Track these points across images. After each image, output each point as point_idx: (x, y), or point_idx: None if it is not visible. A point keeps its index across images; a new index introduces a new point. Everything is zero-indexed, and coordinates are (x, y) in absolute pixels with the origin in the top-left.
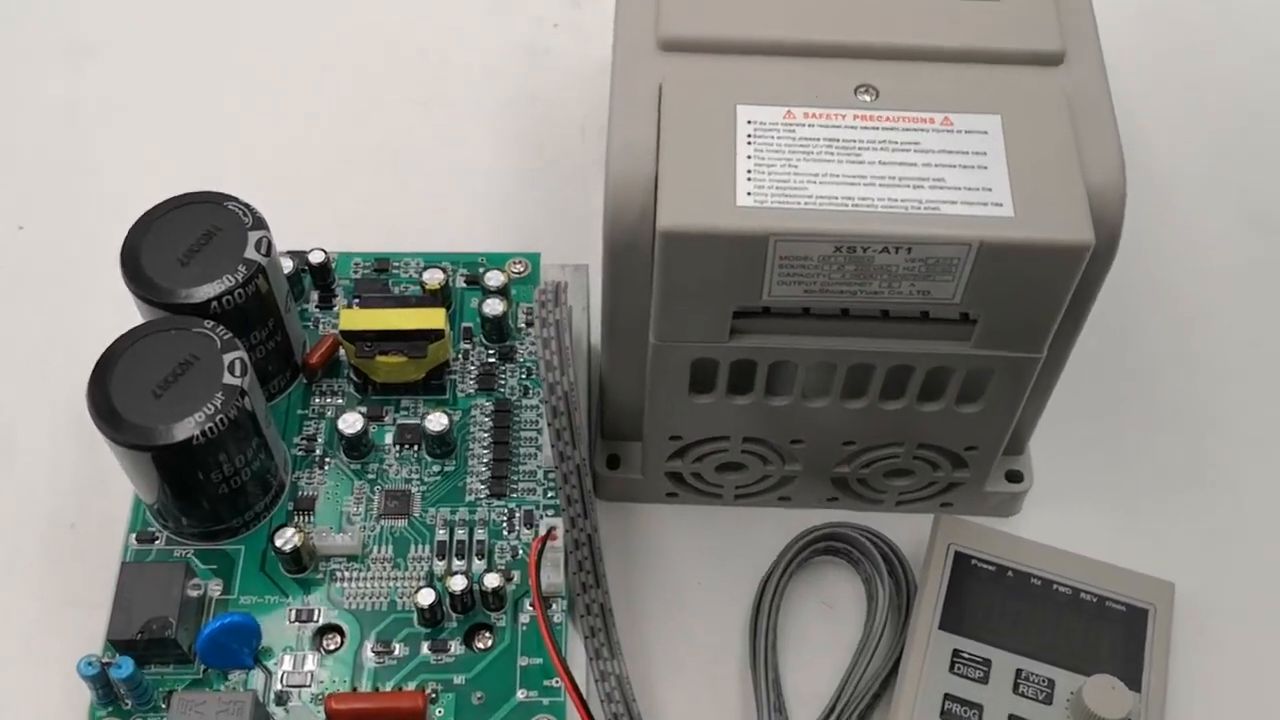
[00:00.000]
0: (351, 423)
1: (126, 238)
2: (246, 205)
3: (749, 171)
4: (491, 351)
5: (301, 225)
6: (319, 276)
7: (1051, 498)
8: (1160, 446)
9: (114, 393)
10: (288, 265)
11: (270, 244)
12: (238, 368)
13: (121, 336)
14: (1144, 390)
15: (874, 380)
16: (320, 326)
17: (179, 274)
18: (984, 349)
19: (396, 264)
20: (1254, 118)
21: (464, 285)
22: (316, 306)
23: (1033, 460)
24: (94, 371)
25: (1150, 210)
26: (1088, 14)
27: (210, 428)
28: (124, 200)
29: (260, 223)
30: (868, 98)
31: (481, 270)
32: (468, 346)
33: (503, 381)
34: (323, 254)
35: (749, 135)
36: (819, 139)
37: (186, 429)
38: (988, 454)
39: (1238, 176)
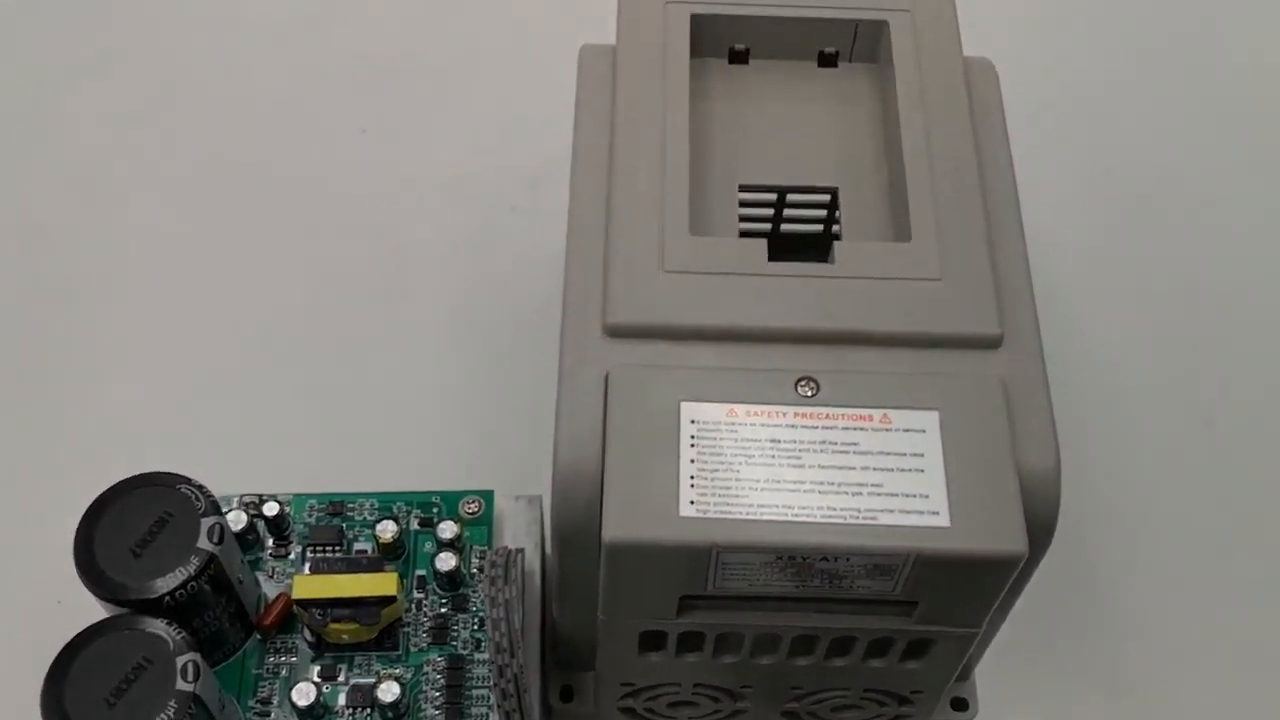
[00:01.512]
0: (305, 693)
1: (79, 528)
2: (199, 489)
3: (692, 478)
4: (445, 601)
5: (250, 450)
6: (274, 526)
7: (998, 717)
8: (1108, 664)
9: (68, 702)
10: (241, 520)
11: (223, 530)
12: (190, 671)
13: (74, 639)
14: (1092, 606)
15: (819, 646)
16: (276, 575)
17: (132, 567)
18: (924, 625)
19: (351, 506)
20: (1202, 310)
21: (418, 528)
22: (272, 555)
23: (978, 685)
24: (48, 678)
25: (1093, 410)
26: (1027, 294)
27: None
28: (67, 413)
29: (213, 507)
30: (809, 392)
31: (435, 511)
32: (420, 596)
33: (455, 634)
34: (276, 506)
35: (692, 437)
36: (761, 440)
37: None
38: (932, 695)
39: (1184, 376)
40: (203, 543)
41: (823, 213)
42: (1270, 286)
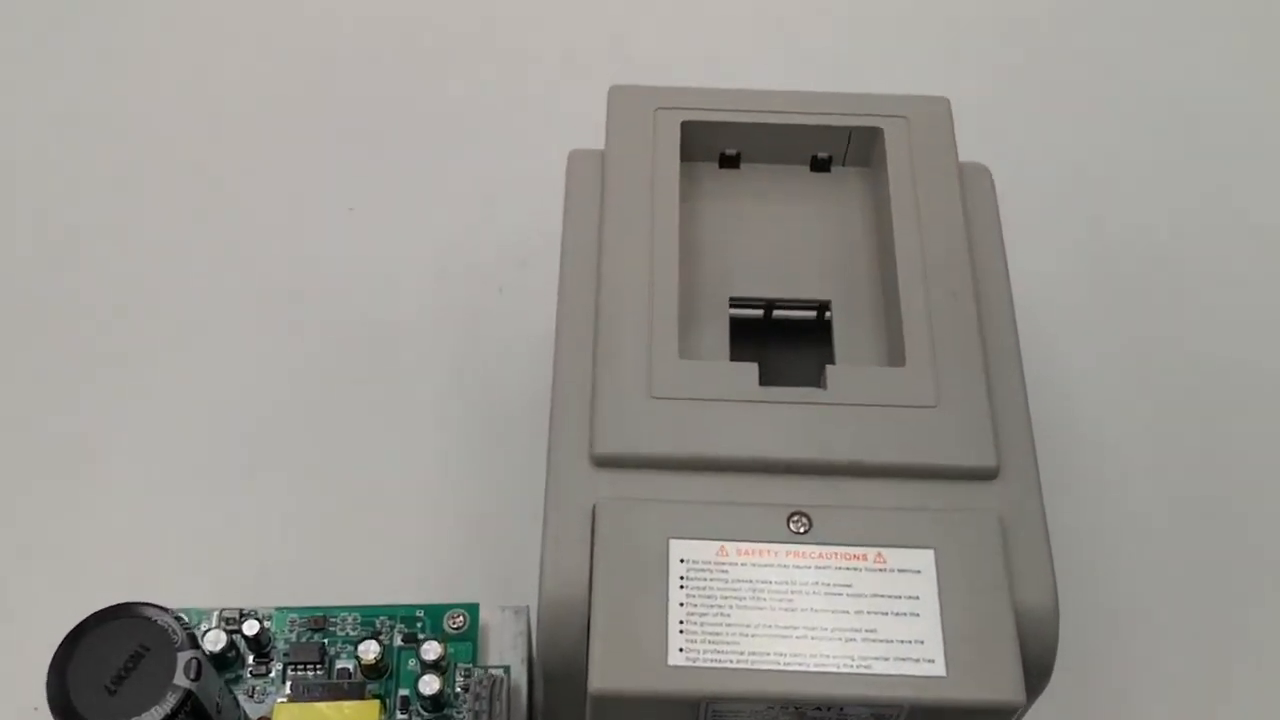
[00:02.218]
0: None
1: (53, 665)
2: (176, 621)
3: (681, 622)
4: None
5: (229, 559)
6: (254, 643)
7: None
8: None
9: None
10: (221, 640)
11: (200, 665)
12: None
13: None
14: (1080, 690)
15: None
16: (256, 694)
17: (107, 705)
18: None
19: (333, 620)
20: (1198, 385)
21: (401, 644)
22: (252, 674)
23: None
24: None
25: (1085, 489)
26: (1024, 422)
27: None
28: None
29: (190, 640)
30: (801, 528)
31: (419, 625)
32: (404, 718)
33: None
34: (257, 624)
35: (681, 577)
36: (752, 581)
37: None
38: None
39: (1179, 454)
40: (179, 679)
41: (814, 326)
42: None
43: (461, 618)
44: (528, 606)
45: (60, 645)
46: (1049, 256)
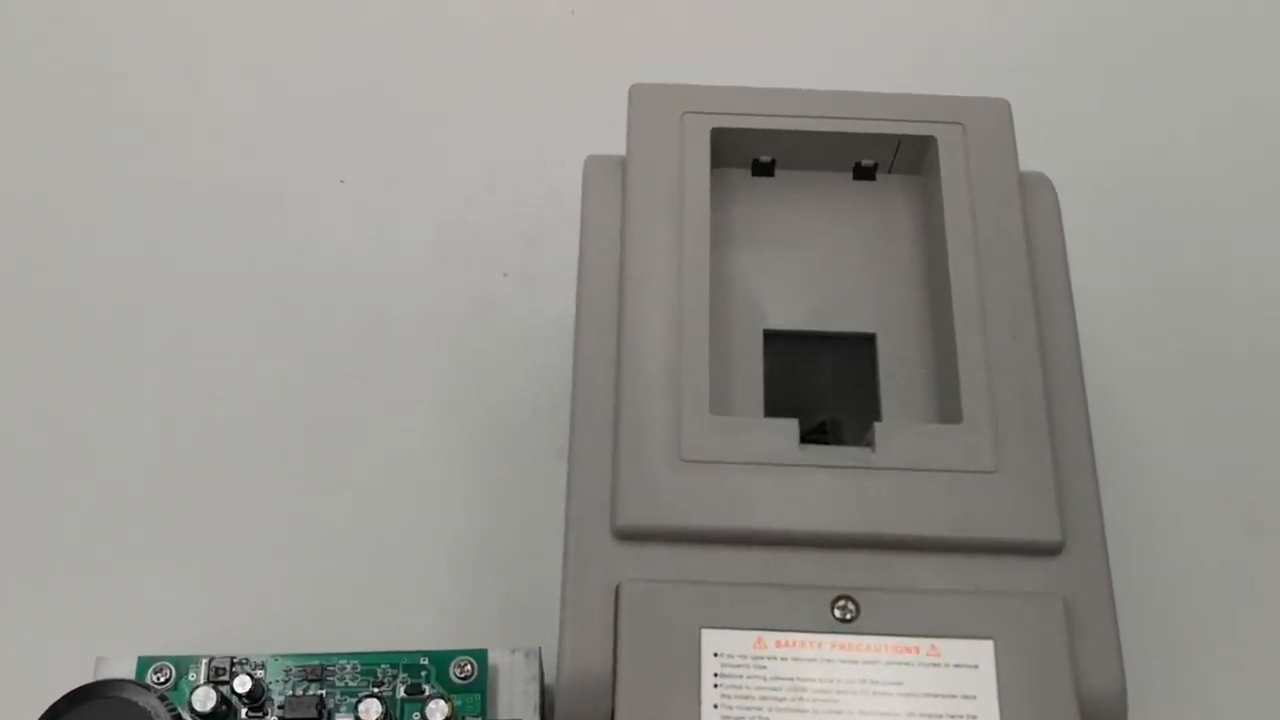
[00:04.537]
0: None
1: None
2: (159, 701)
3: None
4: None
5: (216, 601)
6: (247, 698)
7: None
8: None
9: None
10: (210, 699)
11: None
12: None
13: None
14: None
15: None
16: None
17: None
18: None
19: (331, 669)
20: (1248, 412)
21: (405, 696)
22: None
23: None
24: None
25: (1137, 513)
26: (1090, 487)
27: None
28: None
29: None
30: (847, 615)
31: (424, 675)
32: None
33: None
34: (249, 680)
35: (715, 674)
36: (792, 678)
37: None
38: None
39: (1228, 475)
40: None
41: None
42: None
43: (469, 666)
44: (539, 648)
45: None
46: (1111, 276)
